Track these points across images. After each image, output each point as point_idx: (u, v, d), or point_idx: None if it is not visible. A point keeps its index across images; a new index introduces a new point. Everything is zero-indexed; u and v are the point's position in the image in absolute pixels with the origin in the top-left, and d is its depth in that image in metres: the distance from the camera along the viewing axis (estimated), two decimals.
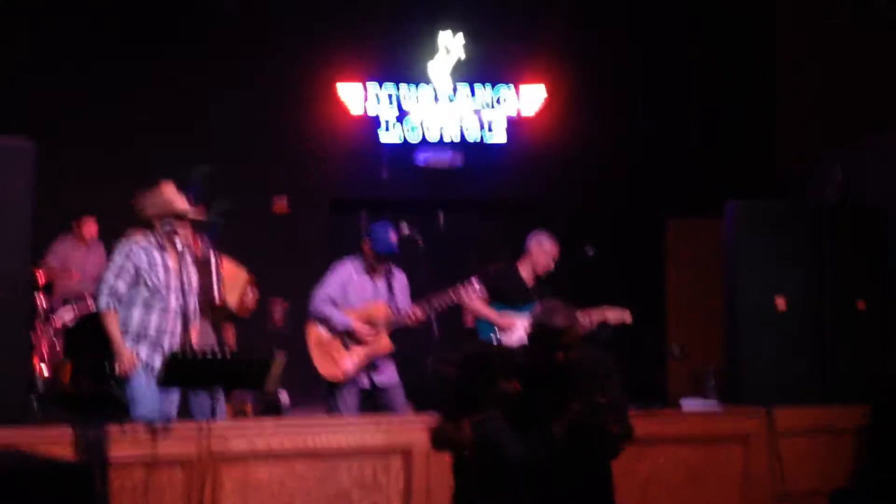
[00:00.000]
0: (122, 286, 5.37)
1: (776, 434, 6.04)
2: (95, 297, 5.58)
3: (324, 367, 6.47)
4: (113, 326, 5.36)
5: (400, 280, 6.68)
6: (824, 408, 6.34)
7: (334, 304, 6.52)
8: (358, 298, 6.55)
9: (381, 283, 6.60)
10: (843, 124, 8.82)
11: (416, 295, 6.64)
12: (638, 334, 7.10)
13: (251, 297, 7.10)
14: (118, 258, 5.41)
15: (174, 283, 5.50)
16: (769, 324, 6.42)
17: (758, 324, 6.42)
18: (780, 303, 6.51)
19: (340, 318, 6.48)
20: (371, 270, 6.60)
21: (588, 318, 6.87)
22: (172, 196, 5.64)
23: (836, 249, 6.75)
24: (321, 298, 6.52)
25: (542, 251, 7.03)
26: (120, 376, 5.40)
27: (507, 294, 7.06)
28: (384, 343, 6.51)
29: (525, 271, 7.08)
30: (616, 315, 6.88)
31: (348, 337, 6.49)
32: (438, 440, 4.05)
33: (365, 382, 6.48)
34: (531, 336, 4.24)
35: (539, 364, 4.14)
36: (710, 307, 8.43)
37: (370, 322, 6.50)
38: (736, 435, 6.02)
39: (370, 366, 6.48)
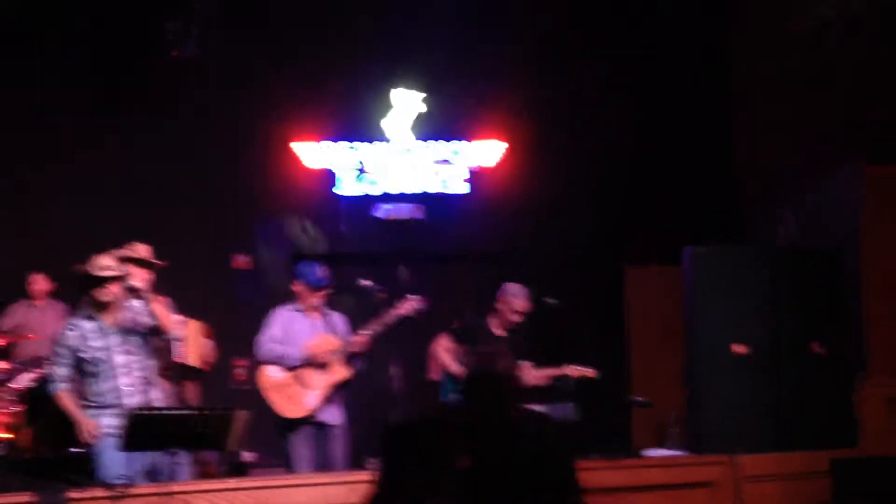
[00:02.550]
0: (63, 371, 5.64)
1: (741, 480, 6.06)
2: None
3: (285, 408, 6.47)
4: (66, 403, 5.63)
5: (338, 319, 6.73)
6: (788, 454, 6.38)
7: (278, 345, 6.55)
8: (298, 337, 6.58)
9: (318, 322, 6.64)
10: (798, 166, 8.95)
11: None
12: (600, 383, 7.14)
13: (210, 346, 7.09)
14: (55, 347, 5.72)
15: (114, 342, 5.62)
16: (728, 370, 6.49)
17: (717, 370, 6.48)
18: (739, 349, 6.57)
19: (292, 352, 6.50)
20: (308, 310, 6.62)
21: (548, 375, 6.93)
22: (106, 257, 5.69)
23: (792, 292, 6.84)
24: (267, 341, 6.55)
25: (507, 306, 7.08)
26: (84, 444, 5.59)
27: (477, 348, 7.09)
28: (342, 371, 6.53)
29: (495, 325, 7.12)
30: (579, 372, 6.93)
31: (304, 373, 6.50)
32: None
33: (322, 416, 6.49)
34: (469, 388, 3.78)
35: (487, 422, 3.58)
36: (672, 354, 8.49)
37: (322, 349, 6.52)
38: (700, 481, 6.04)
39: (329, 397, 6.51)
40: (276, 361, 6.53)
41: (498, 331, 7.14)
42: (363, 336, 6.52)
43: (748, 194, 9.91)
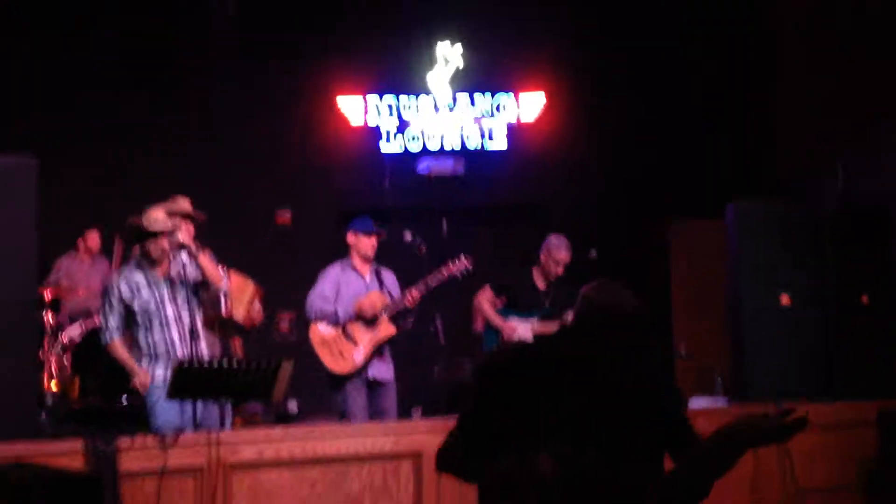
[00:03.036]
0: (114, 321, 5.73)
1: None
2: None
3: (334, 364, 6.55)
4: (119, 353, 5.73)
5: (389, 277, 6.78)
6: (833, 404, 6.33)
7: (330, 303, 6.60)
8: (350, 295, 6.63)
9: (370, 279, 6.68)
10: (845, 124, 8.83)
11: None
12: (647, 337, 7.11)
13: (258, 309, 7.14)
14: (105, 297, 5.79)
15: (164, 293, 5.71)
16: (773, 322, 6.43)
17: (762, 323, 6.42)
18: (785, 299, 6.51)
19: (341, 309, 6.57)
20: (361, 264, 6.65)
21: None
22: (158, 210, 5.76)
23: (838, 250, 6.75)
24: (316, 298, 6.60)
25: (549, 257, 7.07)
26: (137, 392, 5.74)
27: (519, 300, 7.10)
28: (387, 328, 6.57)
29: (538, 277, 7.12)
30: None
31: (351, 329, 6.54)
32: (452, 469, 3.14)
33: (371, 372, 6.54)
34: (584, 323, 3.18)
35: (603, 355, 3.09)
36: (716, 306, 8.44)
37: (370, 305, 6.56)
38: None
39: (377, 352, 6.57)
40: (325, 318, 6.59)
41: (540, 282, 7.13)
42: (412, 294, 6.54)
43: (792, 150, 9.79)
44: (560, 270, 7.08)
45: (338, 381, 6.56)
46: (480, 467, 3.00)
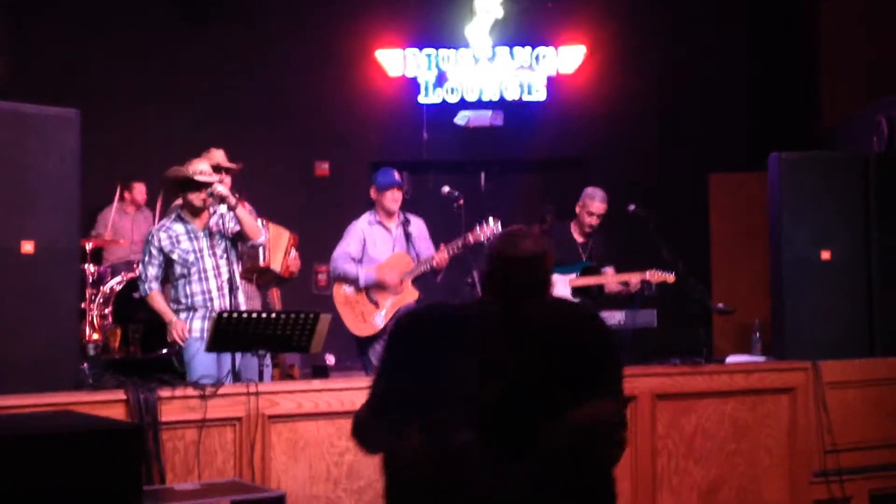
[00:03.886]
0: (153, 271, 5.75)
1: (823, 386, 5.99)
2: None
3: (354, 326, 6.51)
4: (157, 304, 5.77)
5: (417, 226, 6.66)
6: (872, 360, 6.28)
7: (355, 261, 6.55)
8: (377, 251, 6.57)
9: (398, 231, 6.61)
10: (888, 75, 8.67)
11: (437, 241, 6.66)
12: (682, 290, 7.07)
13: (295, 258, 7.17)
14: (144, 248, 5.82)
15: (204, 246, 5.71)
16: (815, 276, 6.34)
17: (804, 276, 6.34)
18: (826, 254, 6.43)
19: (363, 273, 6.50)
20: (386, 218, 6.59)
21: (631, 280, 6.86)
22: (196, 162, 5.77)
23: (883, 200, 6.64)
24: (340, 257, 6.54)
25: (583, 209, 7.02)
26: (174, 345, 5.78)
27: (558, 254, 7.06)
28: (410, 292, 6.53)
29: (576, 230, 7.09)
30: (659, 277, 6.85)
31: (374, 291, 6.51)
32: (364, 438, 2.86)
33: None
34: (487, 277, 2.97)
35: (508, 319, 2.84)
36: (755, 262, 8.38)
37: (393, 273, 6.51)
38: (781, 388, 5.98)
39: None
40: (347, 280, 6.54)
41: (578, 236, 7.09)
42: (440, 255, 6.47)
43: (836, 102, 9.64)
44: (595, 221, 7.03)
45: (363, 342, 6.54)
46: (380, 437, 2.75)
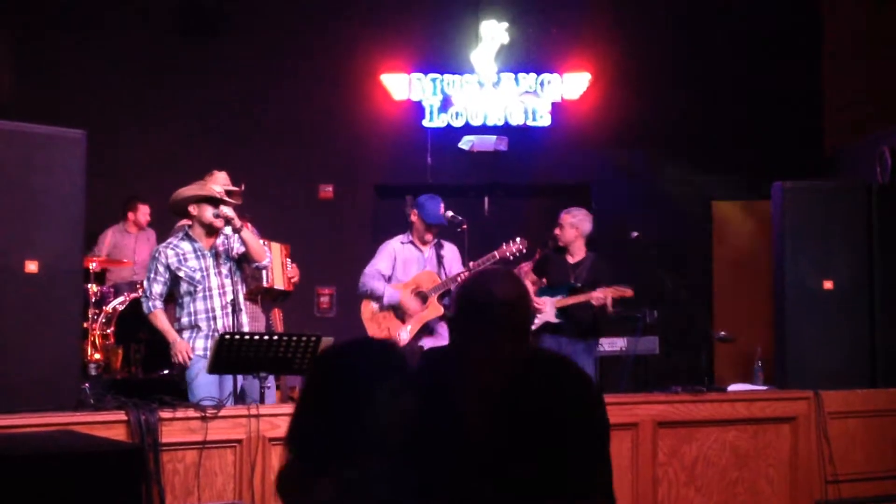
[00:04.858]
0: (158, 288, 5.73)
1: (824, 416, 5.98)
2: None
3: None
4: (160, 322, 5.74)
5: (450, 250, 6.73)
6: (874, 390, 6.26)
7: (385, 279, 6.60)
8: (407, 270, 6.64)
9: (429, 254, 6.66)
10: (891, 104, 8.68)
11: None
12: (685, 318, 7.08)
13: (293, 267, 7.19)
14: (151, 265, 5.80)
15: (210, 265, 5.71)
16: (817, 305, 6.34)
17: (806, 305, 6.34)
18: (828, 284, 6.42)
19: (388, 292, 6.55)
20: (420, 242, 6.64)
21: (592, 297, 6.81)
22: (210, 181, 5.79)
23: (885, 229, 6.64)
24: (370, 274, 6.62)
25: (560, 228, 7.07)
26: (176, 365, 5.74)
27: (550, 276, 7.08)
28: (435, 308, 6.56)
29: (569, 252, 7.09)
30: (618, 292, 6.80)
31: (400, 309, 6.56)
32: (286, 491, 2.35)
33: (421, 346, 6.52)
34: (452, 320, 2.68)
35: (472, 365, 2.53)
36: (758, 290, 8.37)
37: (419, 291, 6.55)
38: (783, 416, 5.96)
39: (427, 330, 6.57)
40: (372, 297, 6.58)
41: (571, 258, 7.09)
42: (463, 276, 6.49)
43: (839, 132, 9.65)
44: (563, 233, 7.04)
45: None
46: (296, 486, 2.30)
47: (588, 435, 2.47)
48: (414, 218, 6.69)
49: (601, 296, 6.75)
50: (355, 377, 2.27)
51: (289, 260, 7.19)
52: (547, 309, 6.91)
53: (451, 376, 2.51)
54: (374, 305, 6.63)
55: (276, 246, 7.06)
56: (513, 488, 2.35)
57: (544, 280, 7.17)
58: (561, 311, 6.93)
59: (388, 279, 6.64)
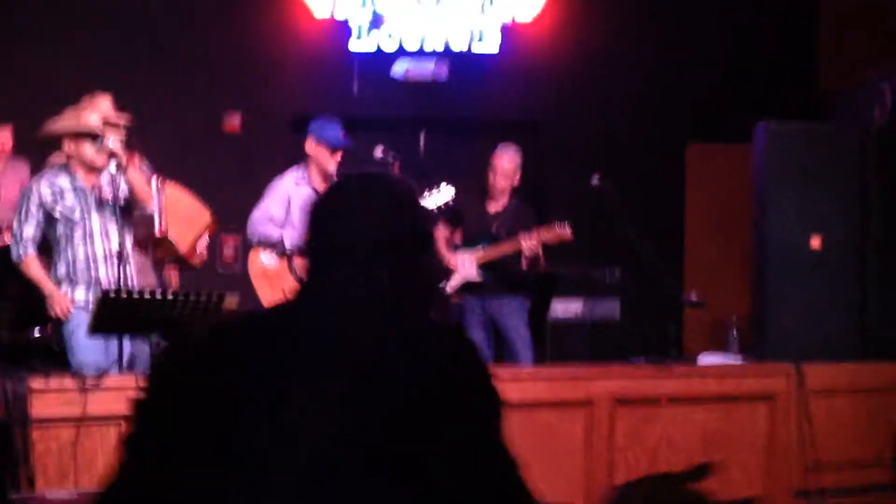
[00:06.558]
0: (31, 231, 5.67)
1: (807, 394, 6.09)
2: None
3: (273, 301, 6.47)
4: (33, 271, 5.69)
5: None
6: (865, 364, 6.38)
7: (278, 225, 6.51)
8: (302, 216, 6.52)
9: None
10: (892, 43, 8.79)
11: None
12: (650, 280, 7.14)
13: (204, 245, 7.11)
14: (21, 203, 5.72)
15: (92, 204, 5.70)
16: (803, 266, 6.44)
17: (790, 266, 6.44)
18: (815, 241, 6.51)
19: (287, 235, 6.48)
20: (322, 179, 6.56)
21: (526, 245, 6.83)
22: (89, 110, 5.69)
23: (884, 180, 6.74)
24: (259, 219, 6.51)
25: (490, 169, 7.06)
26: (54, 319, 5.71)
27: (466, 227, 7.09)
28: None
29: (490, 199, 7.09)
30: (553, 235, 6.85)
31: (298, 262, 6.48)
32: None
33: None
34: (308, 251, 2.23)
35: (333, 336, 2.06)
36: (735, 248, 8.47)
37: None
38: (760, 394, 6.06)
39: None
40: (268, 245, 6.50)
41: (492, 206, 7.09)
42: None
43: (833, 69, 9.76)
44: (502, 183, 7.04)
45: None
46: None
47: (483, 440, 2.06)
48: (310, 148, 6.58)
49: (534, 242, 6.77)
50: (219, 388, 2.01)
51: (207, 237, 7.11)
52: (466, 266, 6.92)
53: (282, 365, 2.03)
54: (265, 259, 6.53)
55: (206, 215, 6.96)
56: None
57: (457, 235, 7.16)
58: (485, 268, 6.96)
59: (280, 225, 6.53)
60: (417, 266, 2.19)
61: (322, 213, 2.20)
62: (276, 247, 6.49)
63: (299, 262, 6.48)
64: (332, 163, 6.54)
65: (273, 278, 6.50)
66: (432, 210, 6.54)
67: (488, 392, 2.07)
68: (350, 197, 2.19)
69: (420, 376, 2.02)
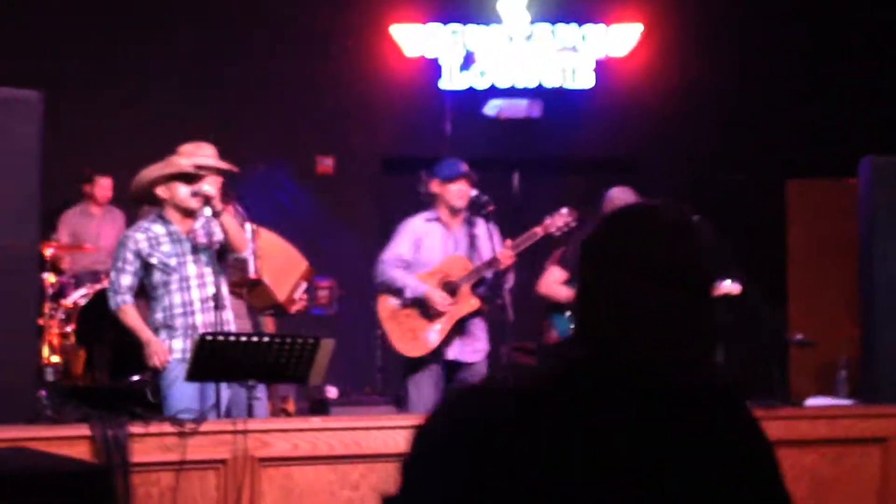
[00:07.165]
0: (126, 280, 5.72)
1: None
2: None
3: (402, 344, 6.43)
4: (131, 319, 5.73)
5: (484, 229, 6.46)
6: None
7: (406, 266, 6.49)
8: (432, 253, 6.49)
9: (459, 234, 6.53)
10: None
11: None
12: (754, 320, 7.05)
13: (302, 291, 7.16)
14: (118, 252, 5.79)
15: (187, 250, 5.76)
16: None
17: None
18: None
19: (411, 283, 6.42)
20: (450, 216, 6.51)
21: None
22: (185, 156, 5.79)
23: None
24: (389, 262, 6.46)
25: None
26: (151, 369, 5.75)
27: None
28: (469, 301, 6.43)
29: None
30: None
31: (426, 303, 6.40)
32: None
33: (450, 354, 6.44)
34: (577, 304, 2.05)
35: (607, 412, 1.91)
36: (842, 285, 8.34)
37: (447, 281, 6.44)
38: (872, 437, 5.95)
39: (459, 331, 6.41)
40: (393, 289, 6.46)
41: None
42: (505, 251, 6.35)
43: None
44: None
45: (410, 365, 6.43)
46: None
47: None
48: (436, 187, 6.56)
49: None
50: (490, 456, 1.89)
51: (305, 283, 7.18)
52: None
53: (557, 427, 1.90)
54: (393, 301, 6.49)
55: (303, 263, 7.05)
56: None
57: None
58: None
59: (408, 266, 6.51)
60: (704, 309, 2.00)
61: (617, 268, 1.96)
62: (398, 294, 6.47)
63: (429, 304, 6.38)
64: (459, 195, 6.49)
65: (403, 319, 6.46)
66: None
67: (770, 448, 2.02)
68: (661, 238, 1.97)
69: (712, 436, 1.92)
